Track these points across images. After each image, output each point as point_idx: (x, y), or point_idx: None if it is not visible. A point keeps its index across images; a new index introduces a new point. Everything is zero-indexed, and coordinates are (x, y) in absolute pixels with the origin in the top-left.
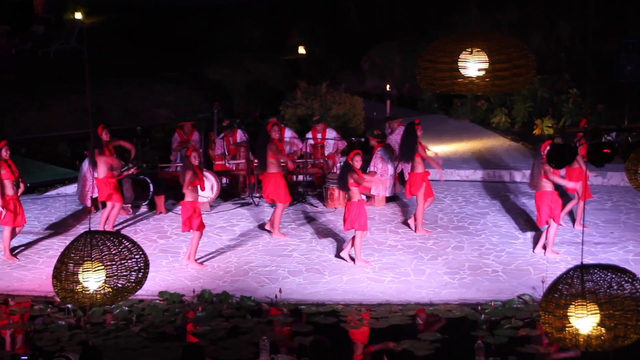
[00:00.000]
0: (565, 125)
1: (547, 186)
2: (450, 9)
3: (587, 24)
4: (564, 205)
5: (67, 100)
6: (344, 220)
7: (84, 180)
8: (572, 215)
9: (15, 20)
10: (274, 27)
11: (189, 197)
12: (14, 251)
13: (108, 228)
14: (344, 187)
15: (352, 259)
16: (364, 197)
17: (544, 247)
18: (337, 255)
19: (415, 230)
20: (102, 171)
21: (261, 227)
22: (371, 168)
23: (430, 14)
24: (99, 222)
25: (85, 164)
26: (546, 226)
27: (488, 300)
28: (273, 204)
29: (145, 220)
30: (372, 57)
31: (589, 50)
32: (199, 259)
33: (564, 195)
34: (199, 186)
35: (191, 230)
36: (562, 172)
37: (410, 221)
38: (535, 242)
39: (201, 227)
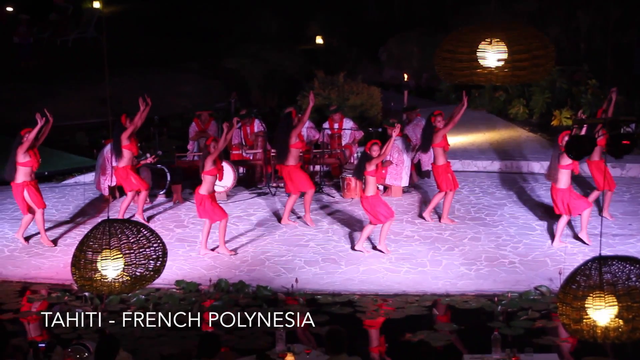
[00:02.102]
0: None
1: (562, 182)
2: None
3: (606, 15)
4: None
5: (85, 89)
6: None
7: (102, 169)
8: (598, 204)
9: (33, 9)
10: (291, 17)
11: (203, 190)
12: (29, 239)
13: (138, 214)
14: (360, 176)
15: (374, 247)
16: (380, 187)
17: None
18: (353, 248)
19: (440, 220)
20: (125, 160)
21: (278, 218)
22: (387, 157)
23: (448, 4)
24: (117, 210)
25: (104, 153)
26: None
27: (505, 292)
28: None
29: (162, 209)
30: (389, 48)
31: (609, 41)
32: (215, 247)
33: (582, 185)
34: (216, 177)
35: (206, 220)
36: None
37: (426, 214)
38: (553, 235)
39: (213, 217)
